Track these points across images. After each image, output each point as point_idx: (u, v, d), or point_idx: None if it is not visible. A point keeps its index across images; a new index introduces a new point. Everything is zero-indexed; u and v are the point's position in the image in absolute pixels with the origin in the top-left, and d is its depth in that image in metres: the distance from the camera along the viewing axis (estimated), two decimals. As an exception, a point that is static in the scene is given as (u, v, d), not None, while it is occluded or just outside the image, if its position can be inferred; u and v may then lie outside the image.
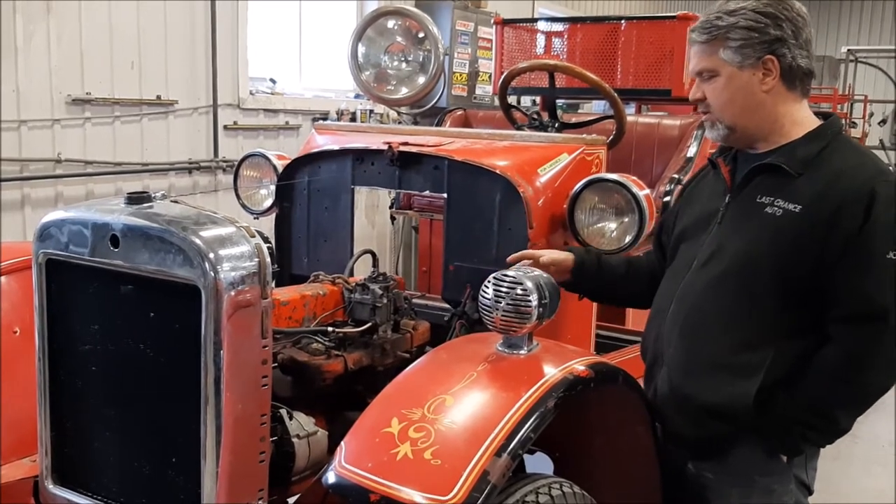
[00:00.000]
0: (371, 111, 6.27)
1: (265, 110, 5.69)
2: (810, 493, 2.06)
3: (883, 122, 12.53)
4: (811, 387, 1.90)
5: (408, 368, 1.98)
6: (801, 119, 1.99)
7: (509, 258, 2.35)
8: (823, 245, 1.84)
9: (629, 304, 2.35)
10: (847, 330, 1.86)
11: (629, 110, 5.40)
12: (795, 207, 1.88)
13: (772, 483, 2.00)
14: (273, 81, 5.89)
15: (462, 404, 1.76)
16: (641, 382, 2.21)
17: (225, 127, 5.35)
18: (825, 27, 16.26)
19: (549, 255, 2.32)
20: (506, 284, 1.95)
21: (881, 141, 10.83)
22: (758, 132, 1.99)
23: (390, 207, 4.21)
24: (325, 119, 6.07)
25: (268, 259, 1.84)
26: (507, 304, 1.92)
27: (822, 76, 11.59)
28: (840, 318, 1.87)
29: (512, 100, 6.12)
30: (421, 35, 3.13)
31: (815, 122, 2.00)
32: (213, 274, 1.73)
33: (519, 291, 1.93)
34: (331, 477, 1.66)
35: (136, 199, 1.88)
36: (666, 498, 2.18)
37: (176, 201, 1.93)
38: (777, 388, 1.92)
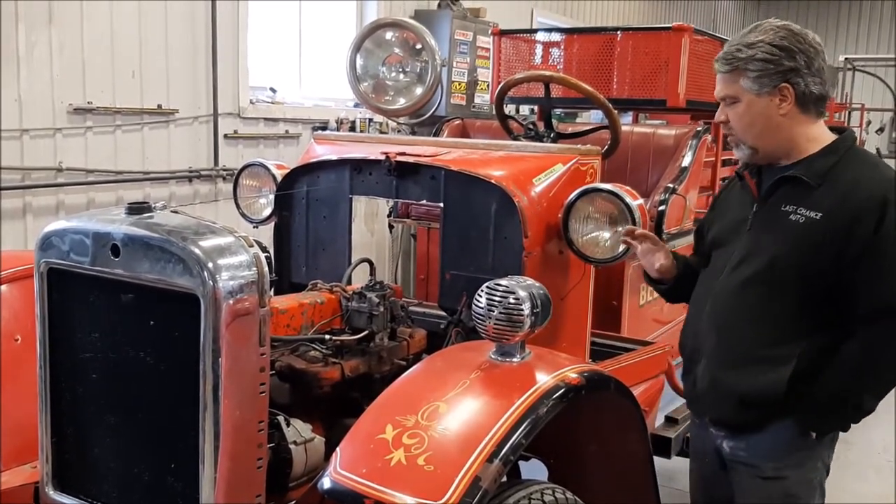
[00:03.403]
0: (370, 120, 6.31)
1: (265, 119, 5.72)
2: (828, 472, 2.27)
3: (881, 130, 12.56)
4: (839, 376, 2.08)
5: (402, 376, 2.01)
6: (815, 136, 2.16)
7: (637, 232, 2.47)
8: (843, 250, 2.02)
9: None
10: (867, 326, 2.05)
11: (626, 119, 5.45)
12: (816, 215, 2.06)
13: (803, 458, 2.19)
14: (273, 90, 5.92)
15: (455, 411, 1.79)
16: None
17: (225, 136, 5.38)
18: (822, 36, 16.19)
19: (665, 255, 2.44)
20: (499, 293, 1.98)
21: (878, 149, 10.86)
22: (778, 151, 2.17)
23: (388, 216, 4.24)
24: (324, 128, 6.10)
25: (266, 268, 1.88)
26: (500, 312, 1.96)
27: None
28: (861, 316, 2.05)
29: (511, 109, 6.18)
30: (418, 46, 3.16)
31: (830, 138, 2.18)
32: (212, 283, 1.76)
33: (511, 300, 1.96)
34: (326, 482, 1.70)
35: (136, 209, 1.92)
36: (702, 476, 2.42)
37: (176, 211, 1.97)
38: (808, 376, 2.10)
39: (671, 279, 2.46)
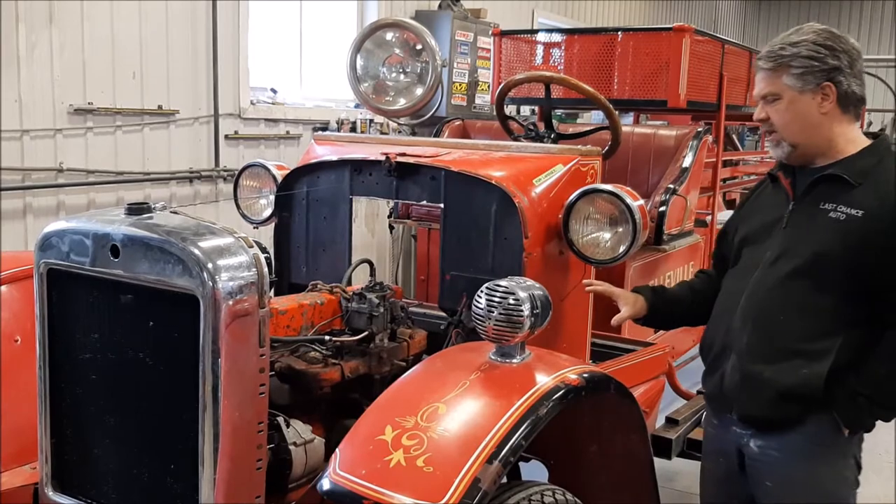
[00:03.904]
0: (371, 121, 6.31)
1: (266, 120, 5.72)
2: (860, 469, 2.28)
3: (882, 131, 12.56)
4: (877, 365, 2.11)
5: (402, 377, 2.01)
6: (853, 138, 2.21)
7: (589, 288, 2.65)
8: (884, 248, 2.06)
9: (700, 324, 2.57)
10: None
11: (627, 120, 5.44)
12: (858, 213, 2.10)
13: (836, 457, 2.20)
14: (274, 91, 5.92)
15: (454, 412, 1.79)
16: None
17: (226, 136, 5.38)
18: (824, 35, 16.30)
19: (624, 302, 2.56)
20: (498, 294, 1.98)
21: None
22: (816, 149, 2.20)
23: (389, 217, 4.24)
24: (325, 128, 6.10)
25: (265, 269, 1.87)
26: (500, 313, 1.96)
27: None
28: None
29: (512, 109, 6.17)
30: (419, 47, 3.16)
31: (865, 141, 2.23)
32: (211, 284, 1.76)
33: (511, 301, 1.96)
34: (325, 483, 1.70)
35: (136, 209, 1.92)
36: (715, 477, 2.41)
37: (175, 212, 1.97)
38: (846, 371, 2.12)
39: (644, 316, 2.57)
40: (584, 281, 2.68)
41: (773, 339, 2.18)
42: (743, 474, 2.30)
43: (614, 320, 2.55)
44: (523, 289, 1.99)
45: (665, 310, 2.59)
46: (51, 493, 2.08)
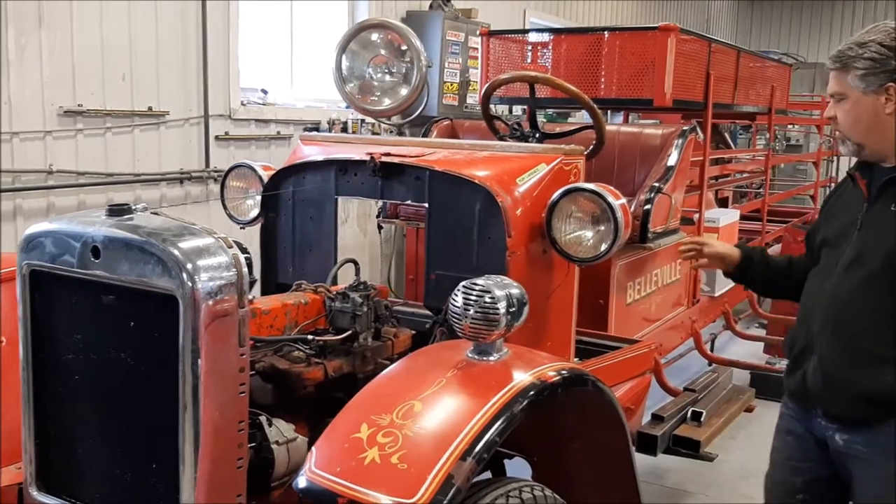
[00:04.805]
0: (362, 121, 6.32)
1: (256, 121, 5.72)
2: None
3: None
4: None
5: (380, 375, 2.02)
6: None
7: (682, 247, 2.67)
8: None
9: (789, 298, 2.62)
10: None
11: (617, 119, 5.46)
12: None
13: None
14: (264, 92, 5.93)
15: (430, 410, 1.81)
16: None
17: (216, 137, 5.39)
18: (816, 36, 16.37)
19: (716, 247, 2.63)
20: (475, 292, 1.99)
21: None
22: (885, 149, 2.21)
23: (377, 217, 4.25)
24: (316, 129, 6.10)
25: (245, 269, 1.89)
26: (476, 311, 1.97)
27: (813, 84, 11.66)
28: None
29: (503, 109, 6.17)
30: (403, 48, 3.18)
31: None
32: (190, 284, 1.78)
33: (487, 299, 1.97)
34: (301, 481, 1.72)
35: (116, 211, 1.93)
36: (792, 456, 2.40)
37: (156, 213, 1.98)
38: None
39: (737, 265, 2.59)
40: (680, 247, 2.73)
41: (851, 343, 2.19)
42: (816, 455, 2.32)
43: (705, 250, 2.60)
44: (500, 287, 2.00)
45: (758, 267, 2.59)
46: (35, 493, 2.10)
